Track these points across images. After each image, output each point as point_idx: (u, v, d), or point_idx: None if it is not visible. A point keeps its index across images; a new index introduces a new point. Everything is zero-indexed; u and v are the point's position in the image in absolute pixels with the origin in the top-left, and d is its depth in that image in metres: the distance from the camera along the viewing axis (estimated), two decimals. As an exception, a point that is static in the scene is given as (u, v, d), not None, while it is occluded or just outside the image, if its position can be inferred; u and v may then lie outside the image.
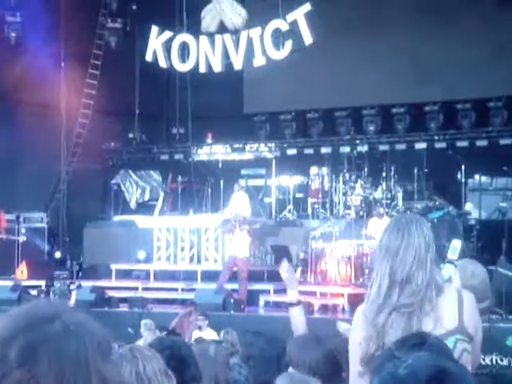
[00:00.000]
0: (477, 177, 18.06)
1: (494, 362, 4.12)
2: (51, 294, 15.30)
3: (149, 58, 19.27)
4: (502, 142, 18.78)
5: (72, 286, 15.04)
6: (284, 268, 4.97)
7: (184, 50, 18.99)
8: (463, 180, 18.04)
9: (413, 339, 1.61)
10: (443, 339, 3.35)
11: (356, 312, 3.60)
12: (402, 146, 20.06)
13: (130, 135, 22.44)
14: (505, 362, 3.99)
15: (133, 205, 20.85)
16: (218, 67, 18.71)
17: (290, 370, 4.07)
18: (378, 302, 3.42)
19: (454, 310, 3.44)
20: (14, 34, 19.46)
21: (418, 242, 3.49)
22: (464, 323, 3.43)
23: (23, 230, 18.70)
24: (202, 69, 18.86)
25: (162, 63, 19.23)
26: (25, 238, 18.17)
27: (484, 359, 4.10)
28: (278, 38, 18.11)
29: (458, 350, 3.41)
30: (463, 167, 17.87)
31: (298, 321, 4.87)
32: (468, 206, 17.82)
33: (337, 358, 4.04)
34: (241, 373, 5.64)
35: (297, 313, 4.93)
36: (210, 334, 12.14)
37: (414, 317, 3.40)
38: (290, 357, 4.13)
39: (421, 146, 19.72)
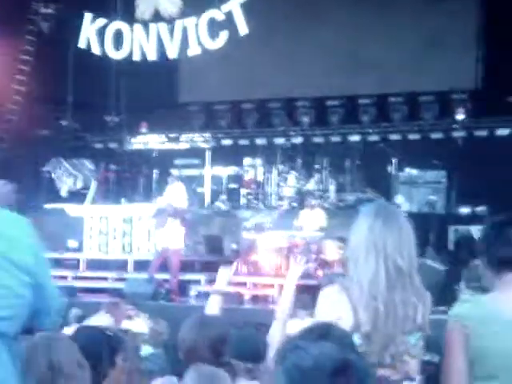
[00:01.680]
0: (408, 170, 18.30)
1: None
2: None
3: (82, 44, 19.06)
4: (434, 135, 19.05)
5: None
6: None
7: (118, 37, 18.83)
8: (394, 173, 18.27)
9: (317, 330, 1.60)
10: (409, 334, 3.39)
11: (328, 292, 3.52)
12: (335, 139, 20.20)
13: (63, 123, 22.14)
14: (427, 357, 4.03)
15: (64, 193, 20.60)
16: (152, 56, 18.60)
17: None
18: (378, 287, 3.40)
19: (420, 307, 3.47)
20: None
21: (412, 235, 3.50)
22: (426, 321, 3.47)
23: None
24: (136, 57, 18.74)
25: (96, 50, 19.04)
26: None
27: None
28: (214, 27, 18.08)
29: (419, 347, 3.44)
30: (394, 160, 18.10)
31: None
32: (399, 199, 18.05)
33: (219, 343, 4.05)
34: (156, 362, 5.64)
35: None
36: (139, 324, 12.06)
37: (404, 311, 3.42)
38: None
39: (354, 138, 19.88)
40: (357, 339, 3.28)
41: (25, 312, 2.76)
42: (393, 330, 3.36)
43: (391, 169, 18.30)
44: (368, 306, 3.37)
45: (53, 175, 20.61)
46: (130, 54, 18.76)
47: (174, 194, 16.99)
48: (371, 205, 3.59)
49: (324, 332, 1.60)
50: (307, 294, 12.69)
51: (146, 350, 9.30)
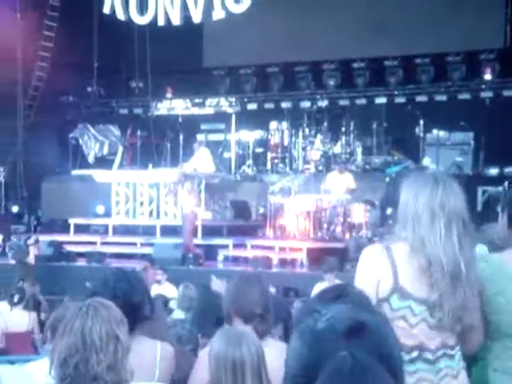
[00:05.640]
0: (435, 131, 18.15)
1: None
2: (7, 248, 15.18)
3: (106, 10, 19.01)
4: (461, 96, 18.88)
5: (29, 241, 14.90)
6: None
7: (142, 2, 18.77)
8: (421, 135, 18.13)
9: (332, 291, 1.59)
10: None
11: (369, 252, 3.49)
12: (361, 101, 20.09)
13: (89, 89, 22.19)
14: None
15: (91, 159, 20.66)
16: (176, 20, 18.52)
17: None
18: (451, 250, 3.36)
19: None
20: (-33, -15, 19.06)
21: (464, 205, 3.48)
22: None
23: (-20, 185, 18.52)
24: (161, 22, 18.67)
25: (120, 15, 19.00)
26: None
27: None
28: (238, -10, 17.95)
29: None
30: (422, 122, 17.95)
31: None
32: (426, 161, 17.93)
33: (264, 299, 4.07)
34: (184, 328, 5.67)
35: None
36: (168, 288, 12.16)
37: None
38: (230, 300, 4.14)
39: (380, 100, 19.76)
40: (418, 308, 3.31)
41: None
42: (465, 291, 3.36)
43: (418, 131, 18.15)
44: (439, 273, 3.32)
45: (80, 141, 20.69)
46: (155, 19, 18.69)
47: (200, 160, 17.06)
48: (423, 173, 3.61)
49: (340, 294, 1.59)
50: (334, 257, 12.75)
51: (178, 314, 9.35)
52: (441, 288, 3.33)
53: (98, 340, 2.99)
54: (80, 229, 17.95)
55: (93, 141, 20.75)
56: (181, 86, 21.33)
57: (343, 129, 18.83)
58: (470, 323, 3.41)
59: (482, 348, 3.68)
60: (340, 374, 1.47)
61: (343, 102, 20.20)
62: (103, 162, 20.28)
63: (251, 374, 3.47)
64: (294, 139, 19.30)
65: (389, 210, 14.43)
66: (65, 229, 17.94)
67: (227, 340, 3.53)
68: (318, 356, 1.51)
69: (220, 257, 15.96)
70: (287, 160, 19.18)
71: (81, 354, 2.98)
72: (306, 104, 20.07)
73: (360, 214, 15.60)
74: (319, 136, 18.69)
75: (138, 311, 3.78)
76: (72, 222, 17.91)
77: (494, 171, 17.41)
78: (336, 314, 1.51)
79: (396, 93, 19.77)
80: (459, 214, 3.41)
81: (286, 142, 19.44)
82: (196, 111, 21.47)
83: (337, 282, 10.27)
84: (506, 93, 18.38)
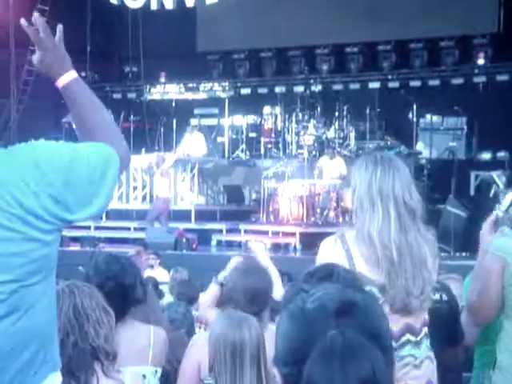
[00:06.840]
0: (428, 116, 18.15)
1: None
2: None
3: (99, -6, 18.95)
4: (454, 81, 18.89)
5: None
6: None
7: (135, -14, 18.73)
8: (415, 119, 18.14)
9: (320, 271, 1.60)
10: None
11: (325, 243, 3.45)
12: (355, 86, 20.07)
13: (82, 74, 22.07)
14: (436, 297, 4.03)
15: (84, 144, 20.61)
16: (169, 4, 18.49)
17: None
18: (389, 234, 3.36)
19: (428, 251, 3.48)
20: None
21: (411, 178, 3.48)
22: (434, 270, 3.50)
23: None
24: (154, 6, 18.65)
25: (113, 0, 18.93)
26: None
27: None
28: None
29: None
30: (415, 107, 17.95)
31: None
32: (419, 146, 17.95)
33: (254, 293, 4.06)
34: (178, 311, 5.69)
35: None
36: (161, 273, 12.17)
37: (420, 250, 3.42)
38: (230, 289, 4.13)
39: (374, 85, 19.75)
40: (378, 292, 3.30)
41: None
42: (412, 270, 3.35)
43: (411, 115, 18.16)
44: (381, 256, 3.33)
45: (73, 126, 20.59)
46: (148, 3, 18.63)
47: (193, 143, 17.05)
48: (367, 156, 3.56)
49: (328, 273, 1.60)
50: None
51: (168, 298, 9.36)
52: (385, 270, 3.32)
53: (92, 312, 3.02)
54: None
55: (86, 125, 20.69)
56: (174, 70, 21.29)
57: (337, 114, 18.81)
58: (422, 303, 3.41)
59: (496, 326, 3.71)
60: (331, 353, 1.47)
61: (337, 87, 20.19)
62: (96, 147, 20.22)
63: (250, 358, 3.47)
64: (287, 124, 19.28)
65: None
66: (58, 213, 17.88)
67: (228, 322, 3.54)
68: (308, 337, 1.52)
69: (213, 241, 15.98)
70: (280, 145, 19.17)
71: (78, 330, 3.00)
72: (299, 89, 20.04)
73: (353, 198, 15.59)
74: (312, 121, 18.67)
75: (130, 294, 3.79)
76: (65, 206, 17.86)
77: (486, 156, 17.44)
78: (325, 294, 1.51)
79: (389, 77, 19.77)
80: (398, 196, 3.37)
81: (279, 127, 19.45)
82: (189, 96, 21.45)
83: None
84: (499, 77, 18.39)
